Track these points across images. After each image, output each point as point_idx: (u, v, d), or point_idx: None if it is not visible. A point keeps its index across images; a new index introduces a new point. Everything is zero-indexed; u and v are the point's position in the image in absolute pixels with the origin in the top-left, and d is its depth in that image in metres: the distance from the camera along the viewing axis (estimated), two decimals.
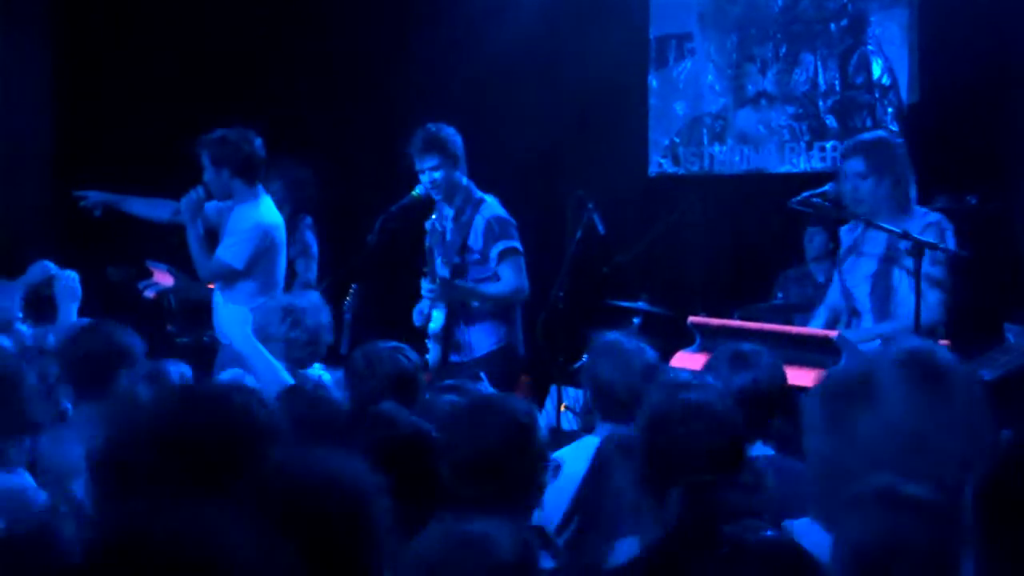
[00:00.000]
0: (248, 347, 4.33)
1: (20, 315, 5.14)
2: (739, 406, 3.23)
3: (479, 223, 6.09)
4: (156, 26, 9.25)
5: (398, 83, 8.74)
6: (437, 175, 6.09)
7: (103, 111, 9.26)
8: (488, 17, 8.51)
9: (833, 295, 5.67)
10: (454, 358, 6.12)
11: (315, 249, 7.47)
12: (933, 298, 5.18)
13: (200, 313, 7.35)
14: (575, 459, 3.92)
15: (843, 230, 5.69)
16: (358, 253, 6.53)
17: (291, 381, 3.97)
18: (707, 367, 4.08)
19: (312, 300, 5.22)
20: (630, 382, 4.11)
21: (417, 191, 6.22)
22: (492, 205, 6.17)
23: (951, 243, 5.23)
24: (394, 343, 4.54)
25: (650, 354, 4.34)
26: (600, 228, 6.94)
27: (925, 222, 5.27)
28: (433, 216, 6.31)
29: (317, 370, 4.81)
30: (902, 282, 5.33)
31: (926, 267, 5.13)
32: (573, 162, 8.27)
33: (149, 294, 7.12)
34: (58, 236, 9.12)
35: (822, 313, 5.69)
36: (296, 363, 4.91)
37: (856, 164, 5.42)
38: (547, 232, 7.13)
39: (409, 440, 3.10)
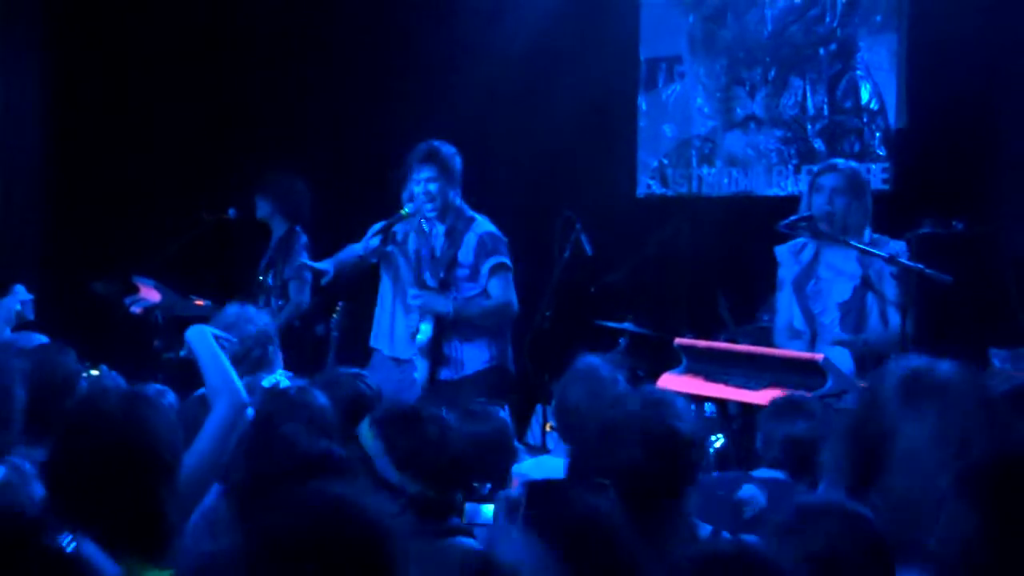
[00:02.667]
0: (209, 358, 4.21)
1: None
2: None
3: (471, 239, 6.10)
4: (151, 37, 9.25)
5: (390, 102, 8.75)
6: (432, 187, 6.10)
7: (95, 124, 9.25)
8: (479, 38, 8.53)
9: (786, 317, 5.67)
10: (445, 375, 6.10)
11: (309, 273, 7.45)
12: (896, 322, 5.23)
13: (186, 329, 7.33)
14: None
15: (784, 249, 5.70)
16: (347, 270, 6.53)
17: (246, 397, 3.90)
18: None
19: (233, 314, 5.08)
20: (597, 410, 4.11)
21: (407, 209, 6.22)
22: (484, 222, 6.19)
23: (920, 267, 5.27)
24: (355, 369, 4.55)
25: (622, 386, 4.33)
26: (587, 248, 6.95)
27: (888, 252, 5.31)
28: (424, 221, 6.26)
29: (278, 375, 4.76)
30: (873, 310, 5.35)
31: (890, 294, 5.20)
32: (562, 182, 8.29)
33: (135, 310, 7.12)
34: (46, 250, 9.11)
35: (783, 334, 5.70)
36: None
37: (835, 179, 5.49)
38: (535, 252, 7.13)
39: (314, 461, 3.06)
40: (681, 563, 2.16)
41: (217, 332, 4.11)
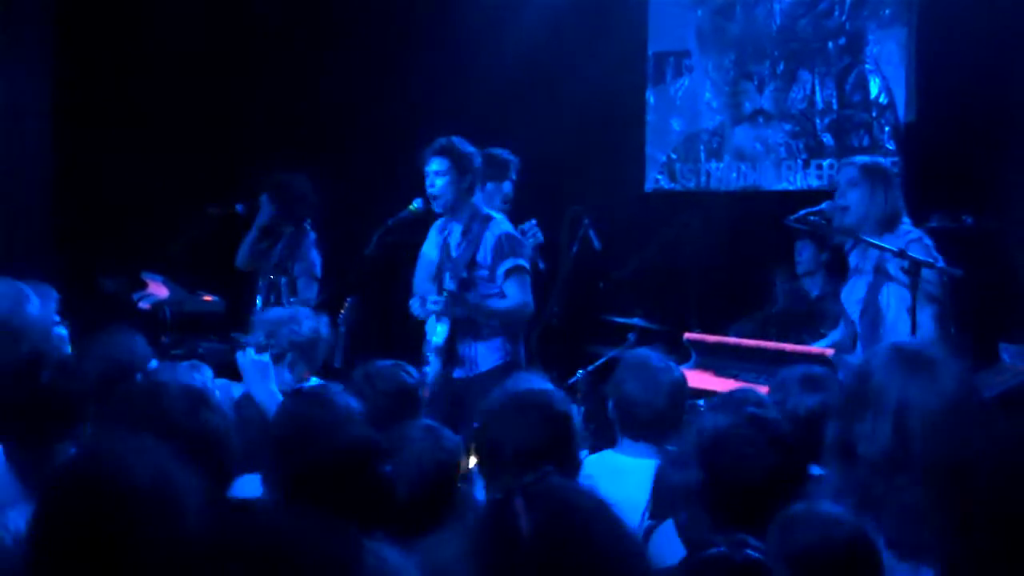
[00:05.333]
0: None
1: (58, 318, 5.10)
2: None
3: (489, 239, 6.04)
4: (156, 34, 9.25)
5: (398, 96, 8.74)
6: (439, 180, 6.05)
7: (103, 120, 9.26)
8: (488, 33, 8.52)
9: (844, 319, 5.67)
10: (458, 373, 6.07)
11: (319, 269, 7.45)
12: (925, 318, 5.16)
13: (195, 324, 7.35)
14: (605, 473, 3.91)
15: (852, 255, 5.65)
16: (355, 266, 6.53)
17: None
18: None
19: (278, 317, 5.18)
20: (653, 401, 4.12)
21: (415, 205, 6.20)
22: (501, 222, 6.13)
23: (939, 259, 5.20)
24: (394, 360, 4.54)
25: (677, 374, 4.34)
26: (596, 243, 6.94)
27: (908, 238, 5.23)
28: (444, 222, 6.26)
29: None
30: (890, 306, 5.29)
31: (913, 293, 5.12)
32: (570, 177, 8.28)
33: (144, 305, 7.12)
34: (54, 246, 9.11)
35: (838, 334, 5.69)
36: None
37: (848, 173, 5.43)
38: (544, 247, 7.13)
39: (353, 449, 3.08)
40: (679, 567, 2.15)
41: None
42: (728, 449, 3.02)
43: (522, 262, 6.04)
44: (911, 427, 2.83)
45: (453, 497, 3.33)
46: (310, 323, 5.04)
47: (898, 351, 2.98)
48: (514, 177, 6.61)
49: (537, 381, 3.98)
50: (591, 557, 1.97)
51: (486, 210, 6.14)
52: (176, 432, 2.75)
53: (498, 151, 6.58)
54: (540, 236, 6.61)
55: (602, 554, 1.99)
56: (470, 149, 6.08)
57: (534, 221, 6.59)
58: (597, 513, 2.06)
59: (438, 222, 6.29)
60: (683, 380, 4.33)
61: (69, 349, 4.79)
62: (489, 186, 6.52)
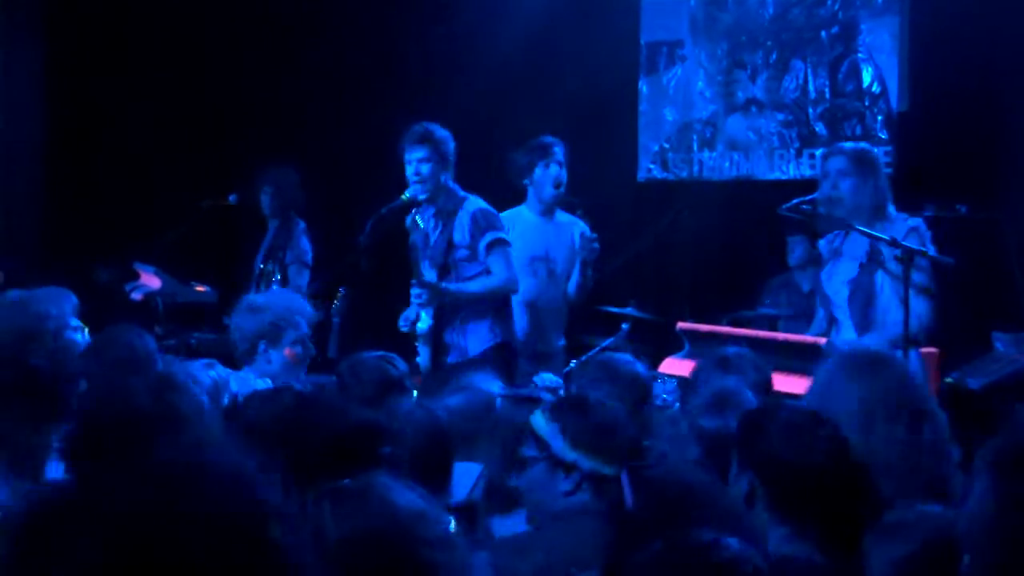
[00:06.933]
0: None
1: (77, 323, 5.04)
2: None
3: (463, 218, 6.04)
4: (149, 28, 9.23)
5: (390, 86, 8.73)
6: (424, 167, 6.04)
7: (95, 114, 9.24)
8: (480, 22, 8.51)
9: (822, 302, 5.65)
10: (451, 359, 6.07)
11: (310, 257, 7.45)
12: (919, 305, 5.16)
13: (187, 315, 7.34)
14: None
15: (823, 243, 5.65)
16: (348, 256, 6.52)
17: None
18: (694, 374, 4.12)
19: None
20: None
21: (408, 194, 6.19)
22: (475, 200, 6.13)
23: (931, 249, 5.20)
24: (382, 352, 4.54)
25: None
26: (589, 233, 6.93)
27: (907, 227, 5.22)
28: (414, 212, 6.25)
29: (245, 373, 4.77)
30: (884, 289, 5.28)
31: (911, 273, 5.11)
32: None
33: (136, 296, 7.11)
34: (47, 237, 9.10)
35: (817, 324, 5.68)
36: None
37: (839, 162, 5.41)
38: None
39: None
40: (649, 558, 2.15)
41: None
42: None
43: (501, 235, 6.04)
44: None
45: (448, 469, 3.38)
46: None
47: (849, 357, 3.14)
48: (561, 159, 6.62)
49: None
50: (693, 522, 2.13)
51: (462, 193, 6.15)
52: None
53: (545, 140, 6.59)
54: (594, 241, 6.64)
55: (703, 519, 2.15)
56: (444, 133, 6.10)
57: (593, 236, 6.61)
58: (695, 486, 2.33)
59: (415, 216, 6.29)
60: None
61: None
62: (537, 173, 6.53)
